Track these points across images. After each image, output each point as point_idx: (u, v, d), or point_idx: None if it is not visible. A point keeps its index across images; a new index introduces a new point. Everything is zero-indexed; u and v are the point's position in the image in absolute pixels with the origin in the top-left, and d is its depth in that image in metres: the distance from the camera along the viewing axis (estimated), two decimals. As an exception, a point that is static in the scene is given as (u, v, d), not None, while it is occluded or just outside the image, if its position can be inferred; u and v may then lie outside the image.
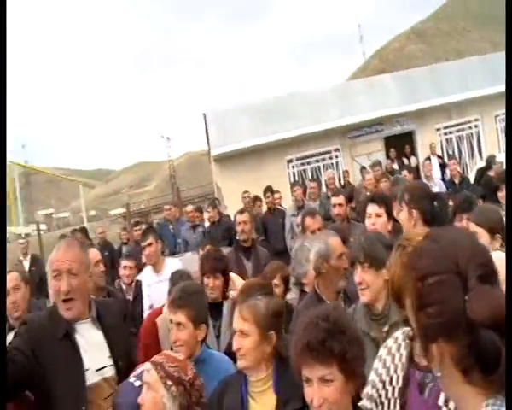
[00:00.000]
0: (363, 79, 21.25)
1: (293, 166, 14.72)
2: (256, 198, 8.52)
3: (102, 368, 2.34)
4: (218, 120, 14.18)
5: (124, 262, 5.44)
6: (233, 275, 3.74)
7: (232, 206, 10.03)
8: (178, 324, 2.37)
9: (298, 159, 14.74)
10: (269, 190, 7.91)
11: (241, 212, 5.26)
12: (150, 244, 4.77)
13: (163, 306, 3.36)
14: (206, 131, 15.11)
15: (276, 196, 8.00)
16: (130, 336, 2.91)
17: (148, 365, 1.94)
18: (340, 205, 4.80)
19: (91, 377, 2.29)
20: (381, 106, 14.41)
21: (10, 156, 12.74)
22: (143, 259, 5.18)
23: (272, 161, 14.06)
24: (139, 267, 5.55)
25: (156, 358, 1.96)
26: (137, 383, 1.99)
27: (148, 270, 4.95)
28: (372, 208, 3.33)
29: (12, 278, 3.28)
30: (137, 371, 2.10)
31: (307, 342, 1.52)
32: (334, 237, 3.04)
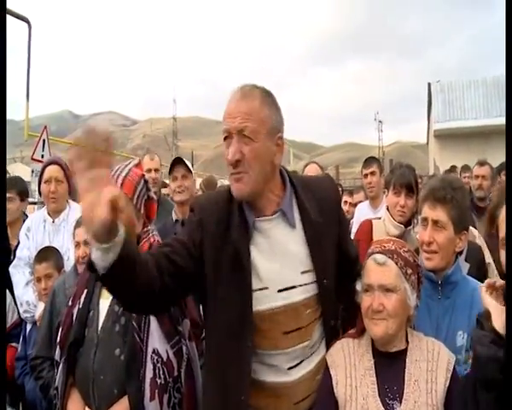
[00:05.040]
0: None
1: (529, 162, 12.15)
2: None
3: (290, 288, 1.67)
4: (444, 93, 12.45)
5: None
6: None
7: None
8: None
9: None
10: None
11: (482, 164, 4.59)
12: None
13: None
14: (429, 102, 13.46)
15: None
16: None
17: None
18: None
19: (270, 300, 1.66)
20: None
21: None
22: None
23: (502, 150, 11.80)
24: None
25: (388, 246, 1.76)
26: None
27: None
28: None
29: None
30: None
31: None
32: None
